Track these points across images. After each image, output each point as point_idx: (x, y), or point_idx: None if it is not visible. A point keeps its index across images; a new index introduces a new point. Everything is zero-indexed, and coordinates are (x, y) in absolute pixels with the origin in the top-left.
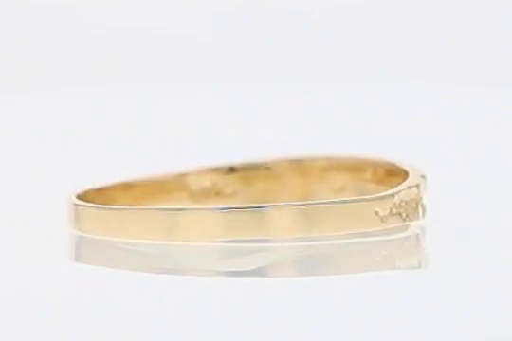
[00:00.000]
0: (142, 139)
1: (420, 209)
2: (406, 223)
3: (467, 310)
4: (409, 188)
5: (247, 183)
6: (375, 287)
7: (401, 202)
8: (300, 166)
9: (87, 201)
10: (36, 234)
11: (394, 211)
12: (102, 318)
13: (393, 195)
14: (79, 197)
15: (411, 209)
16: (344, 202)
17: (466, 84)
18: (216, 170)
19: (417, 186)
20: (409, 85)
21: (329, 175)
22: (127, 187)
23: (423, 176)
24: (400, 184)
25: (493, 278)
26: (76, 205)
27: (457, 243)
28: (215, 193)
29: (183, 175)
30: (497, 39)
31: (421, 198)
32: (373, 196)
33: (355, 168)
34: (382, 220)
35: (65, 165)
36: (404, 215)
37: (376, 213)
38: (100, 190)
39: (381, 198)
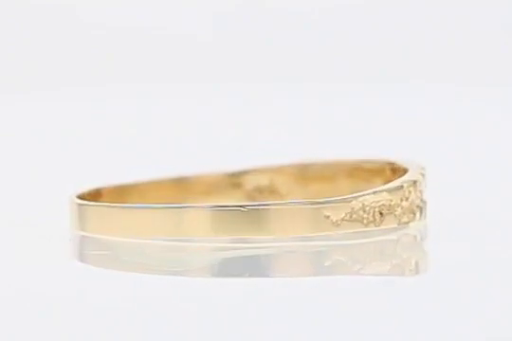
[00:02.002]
0: (141, 140)
1: (399, 215)
2: (369, 228)
3: (460, 313)
4: (375, 193)
5: (302, 183)
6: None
7: (365, 207)
8: (348, 168)
9: (102, 199)
10: (39, 234)
11: (354, 216)
12: (104, 318)
13: (348, 200)
14: (91, 195)
15: (379, 215)
16: (292, 204)
17: (465, 84)
18: (273, 169)
19: (390, 191)
20: (409, 85)
21: (374, 178)
22: (177, 183)
23: (408, 181)
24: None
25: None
26: (79, 204)
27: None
28: (270, 192)
29: (239, 174)
30: (497, 39)
31: (397, 204)
32: (321, 200)
33: (393, 171)
34: (335, 224)
35: (68, 165)
36: (366, 221)
37: (327, 217)
38: (115, 189)
39: (332, 202)
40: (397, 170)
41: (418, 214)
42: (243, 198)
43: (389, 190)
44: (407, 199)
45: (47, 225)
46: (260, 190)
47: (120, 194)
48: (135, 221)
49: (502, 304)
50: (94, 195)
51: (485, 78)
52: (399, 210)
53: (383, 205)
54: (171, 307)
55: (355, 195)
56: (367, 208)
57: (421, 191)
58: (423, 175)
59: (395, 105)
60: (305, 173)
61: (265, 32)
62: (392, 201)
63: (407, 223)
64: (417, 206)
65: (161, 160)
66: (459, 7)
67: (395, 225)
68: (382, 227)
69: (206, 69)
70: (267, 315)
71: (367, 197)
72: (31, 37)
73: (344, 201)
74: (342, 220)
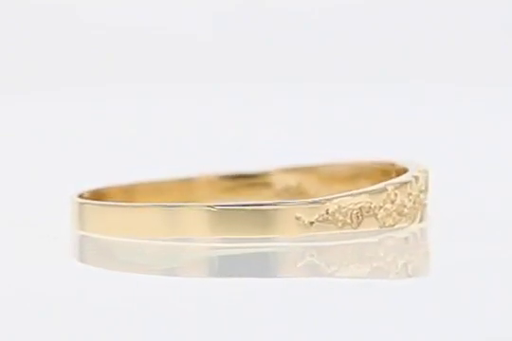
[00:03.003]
0: (141, 140)
1: (382, 217)
2: (345, 230)
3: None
4: (352, 195)
5: (327, 184)
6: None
7: (341, 209)
8: (366, 169)
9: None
10: (40, 234)
11: (329, 218)
12: (103, 318)
13: (322, 202)
14: (94, 195)
15: (357, 217)
16: (260, 205)
17: (465, 84)
18: (300, 169)
19: (370, 193)
20: (409, 85)
21: (384, 179)
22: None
23: (394, 183)
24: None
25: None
26: (80, 203)
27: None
28: (299, 193)
29: (269, 173)
30: (497, 39)
31: (379, 206)
32: (291, 201)
33: (397, 172)
34: (307, 226)
35: (71, 166)
36: (341, 223)
37: (298, 219)
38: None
39: (304, 203)
40: (400, 172)
41: (410, 217)
42: (271, 197)
43: (368, 193)
44: (392, 202)
45: (48, 225)
46: (288, 191)
47: (128, 194)
48: (132, 220)
49: (502, 305)
50: (97, 195)
51: (486, 78)
52: (382, 213)
53: (362, 207)
54: (168, 307)
55: (330, 197)
56: (343, 210)
57: (415, 194)
58: (417, 178)
59: (396, 105)
60: (329, 174)
61: (264, 32)
62: (372, 203)
63: (392, 225)
64: (410, 209)
65: (170, 160)
66: (459, 7)
67: (377, 228)
68: (361, 230)
69: (207, 69)
70: (248, 316)
71: (344, 199)
72: (31, 37)
73: (318, 202)
74: (315, 221)
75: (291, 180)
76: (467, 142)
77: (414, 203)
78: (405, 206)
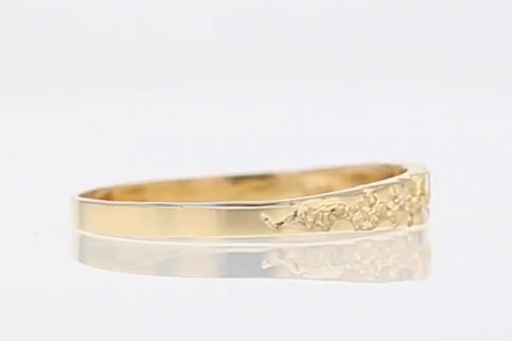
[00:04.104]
0: (146, 142)
1: (358, 220)
2: (315, 232)
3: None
4: (323, 197)
5: (351, 184)
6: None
7: (311, 211)
8: (386, 170)
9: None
10: (40, 234)
11: (298, 220)
12: (104, 319)
13: (291, 203)
14: (97, 195)
15: (328, 220)
16: (227, 205)
17: (466, 84)
18: (328, 170)
19: (343, 196)
20: (409, 86)
21: None
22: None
23: (372, 187)
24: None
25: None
26: (80, 202)
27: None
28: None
29: (300, 173)
30: (497, 39)
31: (354, 209)
32: (257, 202)
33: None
34: (275, 227)
35: (69, 165)
36: (310, 225)
37: (266, 220)
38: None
39: (272, 205)
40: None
41: (396, 220)
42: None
43: (340, 195)
44: (371, 205)
45: (48, 225)
46: (319, 191)
47: (134, 193)
48: (129, 219)
49: (501, 307)
50: (101, 195)
51: (487, 78)
52: (357, 216)
53: (335, 209)
54: (165, 307)
55: (299, 199)
56: (314, 212)
57: (404, 198)
58: (406, 181)
59: (396, 107)
60: (347, 174)
61: (264, 32)
62: (346, 206)
63: (370, 228)
64: (396, 212)
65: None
66: (460, 10)
67: (352, 231)
68: (334, 232)
69: (212, 69)
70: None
71: (314, 201)
72: (30, 42)
73: (286, 204)
74: (285, 222)
75: (320, 181)
76: (468, 142)
77: (403, 206)
78: (389, 210)
